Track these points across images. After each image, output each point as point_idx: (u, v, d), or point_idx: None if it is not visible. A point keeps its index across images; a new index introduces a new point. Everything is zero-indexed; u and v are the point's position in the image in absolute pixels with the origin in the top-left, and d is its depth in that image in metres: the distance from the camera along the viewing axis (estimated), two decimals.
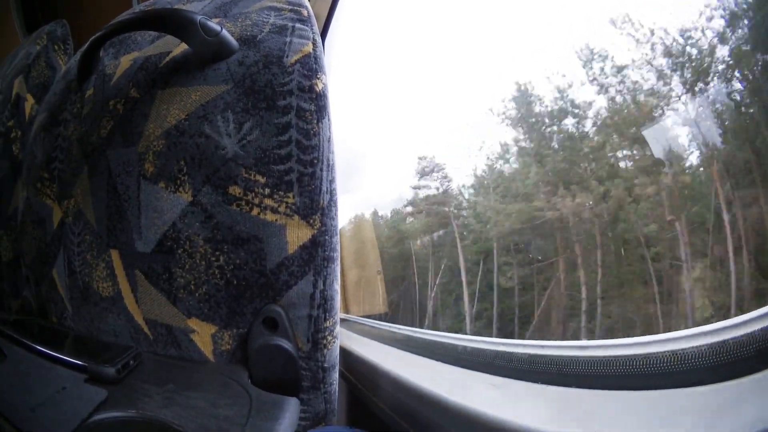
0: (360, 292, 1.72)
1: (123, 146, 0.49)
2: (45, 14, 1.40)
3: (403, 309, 2.11)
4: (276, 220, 0.42)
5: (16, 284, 0.71)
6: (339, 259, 0.45)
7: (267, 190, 0.42)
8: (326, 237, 0.43)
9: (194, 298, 0.45)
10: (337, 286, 0.45)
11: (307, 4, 0.52)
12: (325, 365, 0.44)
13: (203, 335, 0.46)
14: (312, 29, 0.48)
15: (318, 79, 0.45)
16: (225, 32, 0.46)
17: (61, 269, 0.55)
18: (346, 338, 0.90)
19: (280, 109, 0.43)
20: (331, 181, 0.43)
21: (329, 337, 0.44)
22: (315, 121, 0.43)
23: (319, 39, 0.48)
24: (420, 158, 2.13)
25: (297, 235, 0.42)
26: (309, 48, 0.46)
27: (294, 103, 0.43)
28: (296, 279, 0.43)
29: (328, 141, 0.44)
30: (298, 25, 0.48)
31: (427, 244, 2.19)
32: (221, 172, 0.43)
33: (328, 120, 0.44)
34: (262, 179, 0.42)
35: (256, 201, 0.42)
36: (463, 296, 1.96)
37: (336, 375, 0.46)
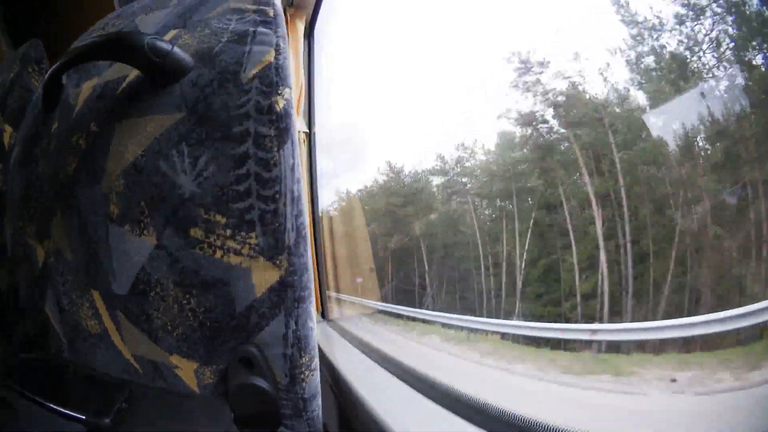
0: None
1: (88, 186, 0.46)
2: (29, 25, 1.39)
3: None
4: (240, 262, 0.39)
5: (16, 313, 0.71)
6: (312, 297, 0.42)
7: (228, 231, 0.39)
8: (295, 277, 0.40)
9: (173, 337, 0.43)
10: (312, 324, 0.42)
11: (277, 1, 0.48)
12: (305, 396, 0.43)
13: (186, 370, 0.45)
14: (277, 31, 0.44)
15: (279, 95, 0.40)
16: (176, 50, 0.43)
17: (52, 306, 0.54)
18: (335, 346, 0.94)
19: (236, 137, 0.40)
20: (297, 216, 0.40)
21: (306, 372, 0.42)
22: (275, 149, 0.39)
23: (285, 41, 0.44)
24: None
25: (263, 277, 0.40)
26: (270, 56, 0.42)
27: (251, 128, 0.39)
28: (267, 320, 0.40)
29: (292, 170, 0.40)
30: (260, 29, 0.44)
31: None
32: (180, 213, 0.40)
33: (292, 144, 0.40)
34: (222, 219, 0.39)
35: (219, 243, 0.40)
36: None
37: (318, 401, 0.45)
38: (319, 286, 1.32)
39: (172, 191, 0.41)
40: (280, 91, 0.41)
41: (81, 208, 0.47)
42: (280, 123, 0.40)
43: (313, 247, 1.34)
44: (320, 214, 1.54)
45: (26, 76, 0.81)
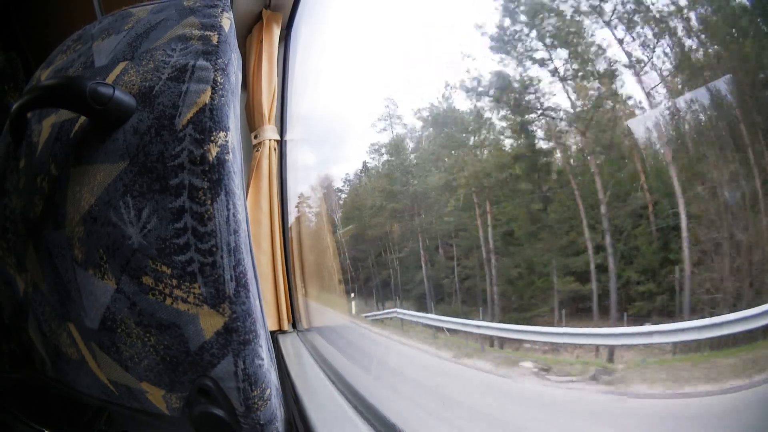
0: None
1: (54, 228, 0.48)
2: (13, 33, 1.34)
3: None
4: (188, 309, 0.42)
5: (2, 332, 0.73)
6: (260, 337, 0.44)
7: (174, 281, 0.41)
8: (238, 323, 0.42)
9: (141, 367, 0.46)
10: (260, 360, 0.44)
11: (224, 22, 0.48)
12: (262, 422, 0.46)
13: (155, 395, 0.47)
14: (216, 63, 0.44)
15: (212, 142, 0.41)
16: (117, 95, 0.43)
17: (34, 330, 0.56)
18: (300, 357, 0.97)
19: (173, 190, 0.41)
20: (236, 266, 0.41)
21: (260, 402, 0.45)
22: (209, 202, 0.40)
23: (222, 75, 0.44)
24: None
25: (210, 323, 0.42)
26: (206, 96, 0.42)
27: (186, 180, 0.40)
28: (218, 359, 0.43)
29: (227, 221, 0.41)
30: (200, 62, 0.44)
31: None
32: (132, 263, 0.42)
33: (226, 195, 0.41)
34: (167, 270, 0.41)
35: (167, 291, 0.41)
36: None
37: (276, 424, 0.48)
38: (290, 296, 1.32)
39: (123, 242, 0.42)
40: (213, 138, 0.41)
41: (50, 249, 0.49)
42: (213, 174, 0.40)
43: (282, 255, 1.33)
44: (291, 220, 1.53)
45: (2, 95, 0.80)
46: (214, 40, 0.45)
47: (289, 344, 1.22)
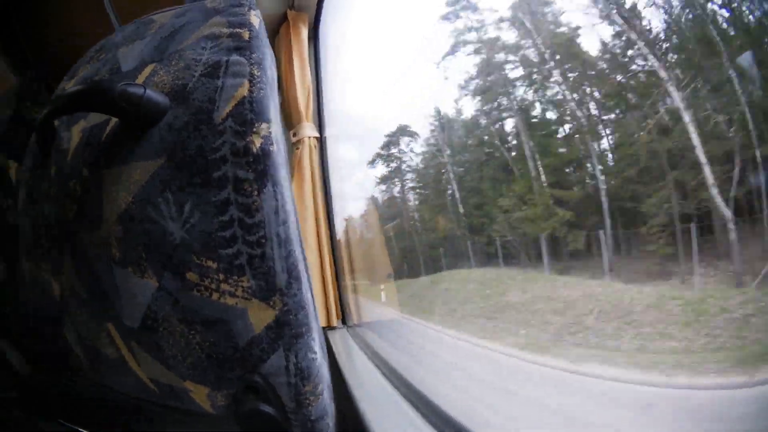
0: None
1: (89, 230, 0.47)
2: (29, 46, 1.42)
3: None
4: (236, 303, 0.40)
5: (36, 335, 0.75)
6: (313, 330, 0.42)
7: (221, 275, 0.39)
8: (290, 316, 0.40)
9: (184, 366, 0.44)
10: (313, 354, 0.43)
11: (253, 19, 0.46)
12: (313, 417, 0.44)
13: (200, 394, 0.46)
14: (251, 58, 0.43)
15: (255, 133, 0.39)
16: (149, 94, 0.42)
17: (71, 332, 0.56)
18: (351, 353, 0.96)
19: (216, 182, 0.39)
20: (287, 257, 0.40)
21: (311, 397, 0.43)
22: (256, 193, 0.39)
23: (259, 69, 0.43)
24: None
25: (259, 317, 0.40)
26: (244, 90, 0.41)
27: (229, 173, 0.39)
28: (268, 354, 0.41)
29: (276, 212, 0.39)
30: (233, 57, 0.43)
31: None
32: (174, 258, 0.41)
33: (273, 185, 0.39)
34: (213, 265, 0.39)
35: (213, 286, 0.40)
36: None
37: (327, 420, 0.46)
38: (339, 292, 1.31)
39: (164, 238, 0.41)
40: (255, 129, 0.40)
41: (86, 251, 0.48)
42: (258, 165, 0.39)
43: (330, 251, 1.33)
44: (340, 218, 1.53)
45: (25, 111, 0.83)
46: (246, 36, 0.44)
47: (339, 340, 1.22)
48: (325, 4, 1.47)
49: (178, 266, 0.41)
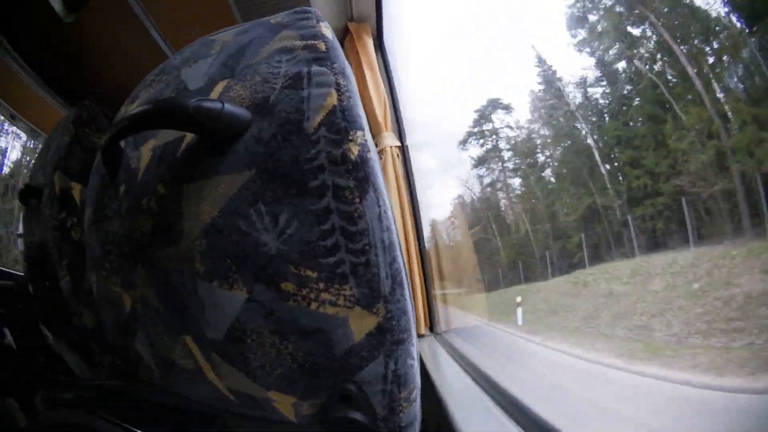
0: None
1: (167, 246, 0.47)
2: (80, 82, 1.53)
3: None
4: (337, 312, 0.39)
5: (104, 347, 0.78)
6: (413, 336, 0.41)
7: (321, 284, 0.39)
8: (393, 323, 0.39)
9: (272, 377, 0.44)
10: (412, 360, 0.41)
11: (325, 31, 0.45)
12: (403, 424, 0.43)
13: (284, 404, 0.45)
14: (333, 67, 0.42)
15: (351, 141, 0.39)
16: (228, 108, 0.41)
17: (142, 344, 0.56)
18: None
19: (314, 191, 0.39)
20: (391, 263, 0.39)
21: (405, 404, 0.42)
22: (357, 200, 0.38)
23: (343, 78, 0.42)
24: None
25: (361, 324, 0.39)
26: (333, 99, 0.40)
27: (328, 181, 0.38)
28: (367, 362, 0.40)
29: (379, 219, 0.38)
30: (315, 68, 0.42)
31: None
32: (269, 269, 0.40)
33: (375, 191, 0.38)
34: (313, 274, 0.39)
35: (312, 296, 0.39)
36: None
37: (415, 427, 0.45)
38: (428, 301, 1.29)
39: (257, 249, 0.41)
40: (351, 137, 0.39)
41: (163, 265, 0.48)
42: (358, 172, 0.38)
43: (419, 260, 1.31)
44: (426, 226, 1.51)
45: (84, 137, 0.86)
46: (322, 47, 0.43)
47: (426, 347, 1.20)
48: (384, 13, 1.46)
49: (272, 277, 0.40)
